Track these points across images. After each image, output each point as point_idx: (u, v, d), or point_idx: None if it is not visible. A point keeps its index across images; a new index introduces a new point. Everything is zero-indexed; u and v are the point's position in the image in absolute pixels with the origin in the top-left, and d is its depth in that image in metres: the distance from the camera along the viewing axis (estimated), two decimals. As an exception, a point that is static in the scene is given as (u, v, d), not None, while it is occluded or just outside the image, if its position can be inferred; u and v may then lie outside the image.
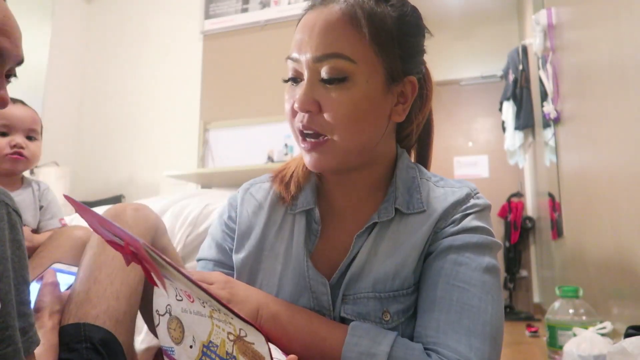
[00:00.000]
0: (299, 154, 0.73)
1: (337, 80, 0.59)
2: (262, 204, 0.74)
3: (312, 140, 0.61)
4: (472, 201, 0.65)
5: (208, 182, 2.99)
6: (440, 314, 0.57)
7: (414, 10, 0.65)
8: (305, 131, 0.61)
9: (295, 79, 0.63)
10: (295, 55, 0.62)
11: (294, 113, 0.63)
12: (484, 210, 0.66)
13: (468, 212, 0.64)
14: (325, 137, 0.61)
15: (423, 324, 0.59)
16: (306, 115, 0.60)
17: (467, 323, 0.56)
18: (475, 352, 0.54)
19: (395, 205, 0.65)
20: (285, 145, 2.93)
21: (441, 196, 0.66)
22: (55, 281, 0.80)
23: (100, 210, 1.67)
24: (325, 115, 0.60)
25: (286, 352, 0.58)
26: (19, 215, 0.55)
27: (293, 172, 0.73)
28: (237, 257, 0.71)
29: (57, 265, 0.88)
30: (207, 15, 3.31)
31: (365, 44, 0.59)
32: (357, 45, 0.59)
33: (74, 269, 0.88)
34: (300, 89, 0.60)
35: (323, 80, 0.60)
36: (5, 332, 0.48)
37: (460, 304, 0.57)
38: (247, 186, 0.78)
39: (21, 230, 0.55)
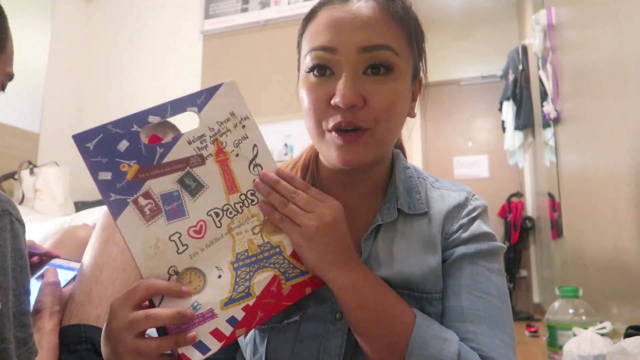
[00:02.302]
0: (297, 157, 0.73)
1: (385, 69, 0.58)
2: None
3: (350, 133, 0.58)
4: (473, 203, 0.66)
5: (208, 182, 2.99)
6: (473, 326, 0.58)
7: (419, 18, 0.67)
8: (344, 127, 0.57)
9: (324, 68, 0.58)
10: (330, 45, 0.57)
11: (324, 107, 0.58)
12: (485, 211, 0.67)
13: (473, 215, 0.65)
14: (365, 129, 0.58)
15: (459, 334, 0.58)
16: (349, 110, 0.57)
17: (500, 334, 0.57)
18: None
19: (398, 206, 0.65)
20: (285, 145, 2.93)
21: (439, 197, 0.67)
22: (56, 281, 0.79)
23: (101, 210, 1.67)
24: (370, 107, 0.57)
25: (351, 320, 0.56)
26: (22, 225, 0.55)
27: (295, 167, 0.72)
28: None
29: (56, 261, 0.88)
30: (207, 15, 3.31)
31: (404, 40, 0.60)
32: (399, 40, 0.59)
33: (74, 264, 0.88)
34: (340, 84, 0.56)
35: (369, 72, 0.58)
36: (0, 344, 0.47)
37: (488, 315, 0.58)
38: None
39: (24, 239, 0.55)
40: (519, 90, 3.35)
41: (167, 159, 0.51)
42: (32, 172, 2.75)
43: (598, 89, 1.51)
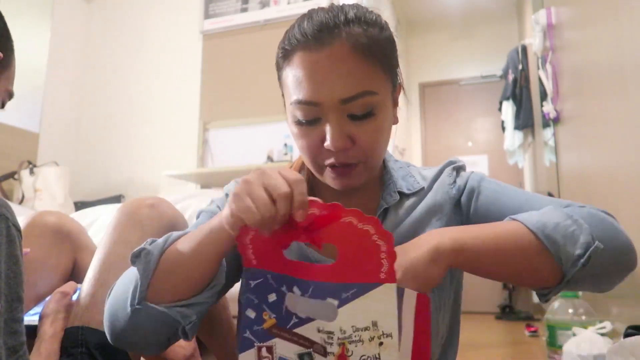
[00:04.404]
0: (287, 165, 0.78)
1: (367, 114, 0.63)
2: None
3: (344, 168, 0.65)
4: (455, 164, 0.76)
5: (208, 182, 2.99)
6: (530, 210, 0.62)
7: (389, 29, 0.70)
8: (338, 165, 0.64)
9: (311, 119, 0.64)
10: (313, 100, 0.62)
11: (318, 149, 0.65)
12: (463, 167, 0.77)
13: (457, 167, 0.75)
14: (357, 163, 0.65)
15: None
16: (341, 152, 0.63)
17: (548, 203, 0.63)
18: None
19: (397, 188, 0.72)
20: (285, 145, 2.92)
21: (429, 174, 0.76)
22: (67, 291, 0.78)
23: (106, 208, 1.67)
24: (358, 146, 0.63)
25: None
26: (19, 230, 0.54)
27: None
28: None
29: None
30: (207, 15, 3.31)
31: (378, 71, 0.63)
32: (374, 75, 0.63)
33: None
34: (329, 130, 0.62)
35: (353, 117, 0.63)
36: None
37: (528, 203, 0.64)
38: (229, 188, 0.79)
39: (20, 245, 0.54)
40: (519, 90, 3.35)
41: (298, 330, 0.51)
42: (32, 172, 2.75)
43: (598, 89, 1.51)
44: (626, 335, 0.91)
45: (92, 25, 3.57)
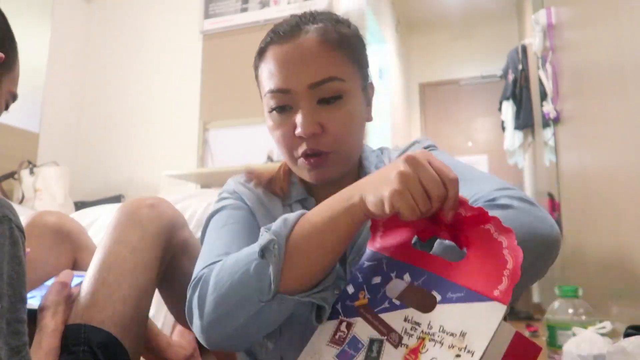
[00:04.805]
0: (277, 167, 0.81)
1: (335, 99, 0.66)
2: (260, 197, 0.77)
3: (316, 157, 0.67)
4: (421, 142, 0.79)
5: (208, 182, 2.99)
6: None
7: (357, 28, 0.74)
8: (311, 153, 0.67)
9: (284, 107, 0.67)
10: (283, 87, 0.66)
11: (291, 139, 0.68)
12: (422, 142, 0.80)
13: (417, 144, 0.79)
14: (328, 152, 0.67)
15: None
16: (311, 139, 0.66)
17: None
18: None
19: None
20: (285, 145, 2.92)
21: (396, 154, 0.78)
22: (64, 281, 0.78)
23: (106, 208, 1.67)
24: (329, 133, 0.66)
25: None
26: (22, 232, 0.55)
27: (273, 176, 0.79)
28: None
29: (78, 273, 0.87)
30: (207, 15, 3.31)
31: (347, 63, 0.67)
32: (342, 65, 0.67)
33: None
34: (299, 117, 0.65)
35: (322, 103, 0.66)
36: None
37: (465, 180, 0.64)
38: (239, 179, 0.81)
39: (23, 246, 0.54)
40: (519, 90, 3.35)
41: (384, 315, 0.51)
42: (31, 172, 2.75)
43: (598, 89, 1.51)
44: (626, 335, 0.91)
45: (92, 25, 3.57)
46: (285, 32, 0.67)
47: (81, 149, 3.42)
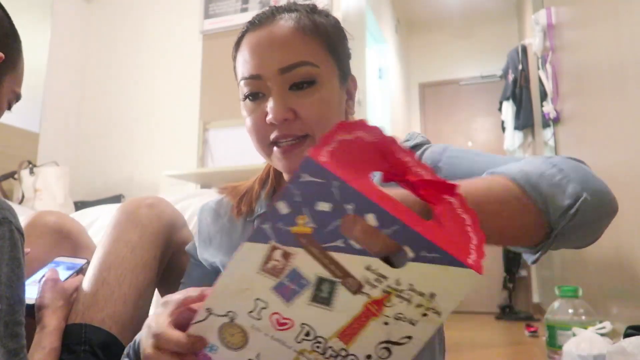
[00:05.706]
0: (255, 177, 0.80)
1: (307, 84, 0.64)
2: (221, 218, 0.78)
3: (290, 143, 0.64)
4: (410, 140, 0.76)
5: (208, 181, 2.99)
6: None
7: (337, 20, 0.73)
8: (282, 140, 0.64)
9: (256, 94, 0.66)
10: (254, 73, 0.65)
11: (263, 127, 0.66)
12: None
13: (414, 146, 0.75)
14: (302, 136, 0.64)
15: None
16: (283, 125, 0.64)
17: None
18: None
19: None
20: (285, 145, 2.92)
21: None
22: (54, 277, 0.78)
23: (106, 208, 1.67)
24: (302, 119, 0.64)
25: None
26: (22, 234, 0.55)
27: (248, 189, 0.78)
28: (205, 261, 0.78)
29: (59, 259, 0.87)
30: (207, 15, 3.31)
31: (321, 50, 0.66)
32: (315, 52, 0.65)
33: (78, 261, 0.87)
34: (270, 102, 0.63)
35: (294, 88, 0.64)
36: None
37: (497, 162, 0.61)
38: (208, 204, 0.83)
39: (22, 249, 0.54)
40: (519, 90, 3.36)
41: (333, 254, 0.41)
42: (31, 172, 2.75)
43: (598, 89, 1.51)
44: (626, 335, 0.92)
45: (92, 25, 3.57)
46: (260, 20, 0.67)
47: (81, 149, 3.42)
